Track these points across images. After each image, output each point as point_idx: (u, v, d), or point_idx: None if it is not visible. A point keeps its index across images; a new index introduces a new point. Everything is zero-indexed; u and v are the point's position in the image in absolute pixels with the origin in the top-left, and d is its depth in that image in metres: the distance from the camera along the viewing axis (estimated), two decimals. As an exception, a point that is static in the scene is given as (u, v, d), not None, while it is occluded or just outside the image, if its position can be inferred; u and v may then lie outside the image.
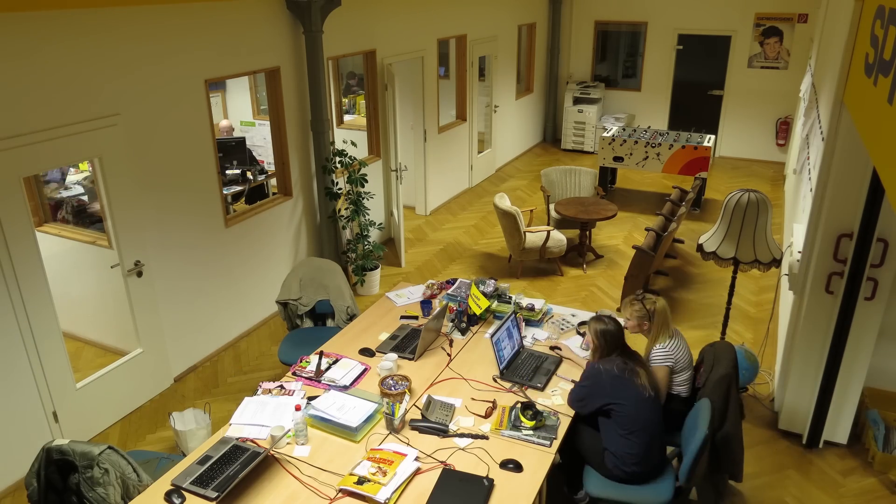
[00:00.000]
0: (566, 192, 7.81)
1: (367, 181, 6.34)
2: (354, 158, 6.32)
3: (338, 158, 6.20)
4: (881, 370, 4.45)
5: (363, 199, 6.42)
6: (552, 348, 4.04)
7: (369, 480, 2.93)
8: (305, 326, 4.83)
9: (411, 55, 7.60)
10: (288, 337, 4.70)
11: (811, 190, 4.36)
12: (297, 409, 3.32)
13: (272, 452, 3.17)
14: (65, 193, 5.88)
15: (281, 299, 4.77)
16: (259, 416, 3.41)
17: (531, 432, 3.30)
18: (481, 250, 7.52)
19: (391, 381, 3.59)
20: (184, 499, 2.89)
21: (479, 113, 9.74)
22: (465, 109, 9.15)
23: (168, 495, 2.90)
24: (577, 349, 4.06)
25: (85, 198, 5.84)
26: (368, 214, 6.54)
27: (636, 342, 3.83)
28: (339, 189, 6.24)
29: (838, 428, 4.34)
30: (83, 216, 5.57)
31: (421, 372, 3.83)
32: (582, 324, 4.29)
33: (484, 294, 4.39)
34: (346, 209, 6.45)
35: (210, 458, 3.11)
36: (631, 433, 3.30)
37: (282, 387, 3.66)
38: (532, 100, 11.24)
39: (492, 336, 3.83)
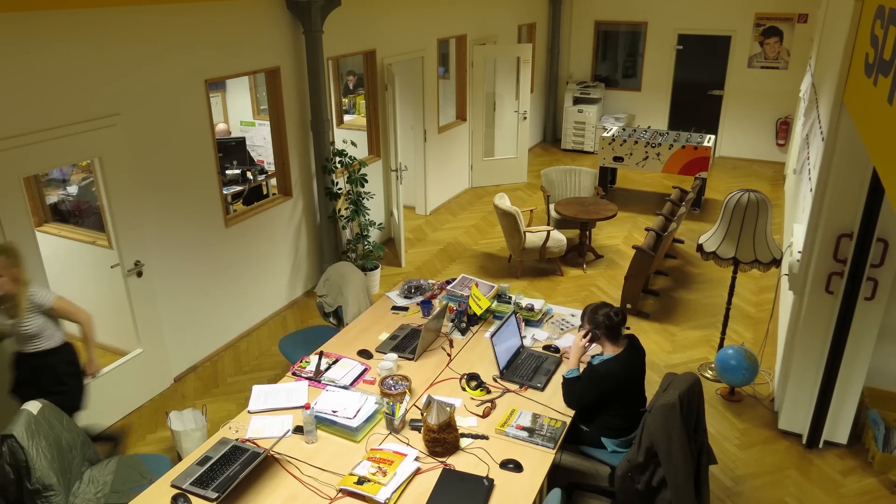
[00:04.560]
0: (566, 192, 7.81)
1: (367, 181, 6.34)
2: (354, 158, 6.32)
3: (338, 158, 6.20)
4: (881, 370, 4.45)
5: (363, 199, 6.43)
6: (546, 348, 4.03)
7: (369, 480, 2.93)
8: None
9: (411, 55, 7.60)
10: (292, 334, 4.81)
11: (811, 190, 4.36)
12: (307, 407, 3.31)
13: (272, 453, 3.18)
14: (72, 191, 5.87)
15: (318, 292, 4.90)
16: (273, 401, 3.53)
17: (527, 434, 3.30)
18: (481, 250, 7.52)
19: (391, 381, 3.59)
20: (189, 502, 2.89)
21: (503, 120, 9.81)
22: (465, 109, 9.15)
23: (174, 500, 2.90)
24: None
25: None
26: (368, 214, 6.55)
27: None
28: (339, 189, 6.24)
29: (838, 428, 4.34)
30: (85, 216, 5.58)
31: (421, 372, 3.83)
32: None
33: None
34: (346, 209, 6.46)
35: (210, 458, 3.11)
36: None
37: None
38: (532, 100, 11.23)
39: (492, 336, 3.83)
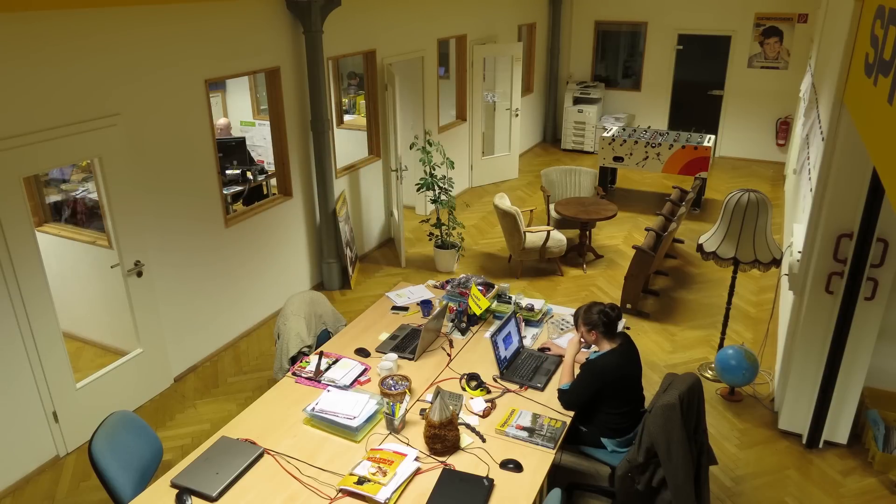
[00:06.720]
0: (566, 192, 7.81)
1: (453, 166, 6.84)
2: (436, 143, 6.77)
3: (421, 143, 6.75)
4: (881, 370, 4.45)
5: (443, 182, 6.81)
6: (542, 349, 4.03)
7: (369, 480, 2.94)
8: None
9: (411, 55, 7.60)
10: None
11: (811, 190, 4.36)
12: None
13: (271, 452, 3.18)
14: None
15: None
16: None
17: (527, 434, 3.30)
18: (481, 250, 7.51)
19: (391, 381, 3.59)
20: (190, 501, 2.90)
21: (501, 116, 9.86)
22: (465, 109, 9.15)
23: (179, 497, 2.90)
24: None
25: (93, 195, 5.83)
26: (451, 194, 6.87)
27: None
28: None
29: (838, 428, 4.34)
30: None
31: (421, 372, 3.83)
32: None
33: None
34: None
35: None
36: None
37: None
38: (532, 100, 11.24)
39: (492, 336, 3.83)
